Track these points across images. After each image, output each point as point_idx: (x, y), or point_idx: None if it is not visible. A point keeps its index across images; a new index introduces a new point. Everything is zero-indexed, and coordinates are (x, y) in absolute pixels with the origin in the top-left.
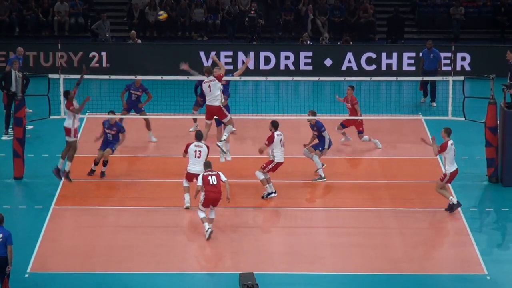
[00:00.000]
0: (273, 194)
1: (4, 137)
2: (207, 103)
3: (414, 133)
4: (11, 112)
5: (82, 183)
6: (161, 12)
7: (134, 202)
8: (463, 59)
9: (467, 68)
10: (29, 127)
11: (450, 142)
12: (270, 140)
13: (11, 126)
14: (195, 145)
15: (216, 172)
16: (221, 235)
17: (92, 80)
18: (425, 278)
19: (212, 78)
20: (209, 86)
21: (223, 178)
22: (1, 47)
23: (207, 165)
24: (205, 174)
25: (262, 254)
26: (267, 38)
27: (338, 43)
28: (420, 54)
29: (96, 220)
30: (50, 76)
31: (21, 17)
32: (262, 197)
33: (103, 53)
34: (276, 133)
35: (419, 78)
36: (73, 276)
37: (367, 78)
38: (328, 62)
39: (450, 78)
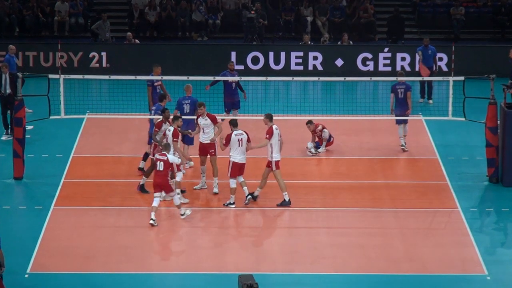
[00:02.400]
0: (233, 206)
1: (4, 137)
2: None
3: (414, 133)
4: (7, 113)
5: (82, 183)
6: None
7: (133, 202)
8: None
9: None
10: (29, 127)
11: (274, 126)
12: (228, 139)
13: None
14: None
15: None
16: (221, 235)
17: (92, 80)
18: (425, 278)
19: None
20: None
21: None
22: (1, 47)
23: (166, 147)
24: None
25: (262, 254)
26: (267, 38)
27: (338, 43)
28: (417, 56)
29: (95, 220)
30: (50, 76)
31: (21, 17)
32: (245, 204)
33: (103, 53)
34: (234, 132)
35: (419, 78)
36: (72, 277)
37: (367, 78)
38: (339, 62)
39: (450, 78)
